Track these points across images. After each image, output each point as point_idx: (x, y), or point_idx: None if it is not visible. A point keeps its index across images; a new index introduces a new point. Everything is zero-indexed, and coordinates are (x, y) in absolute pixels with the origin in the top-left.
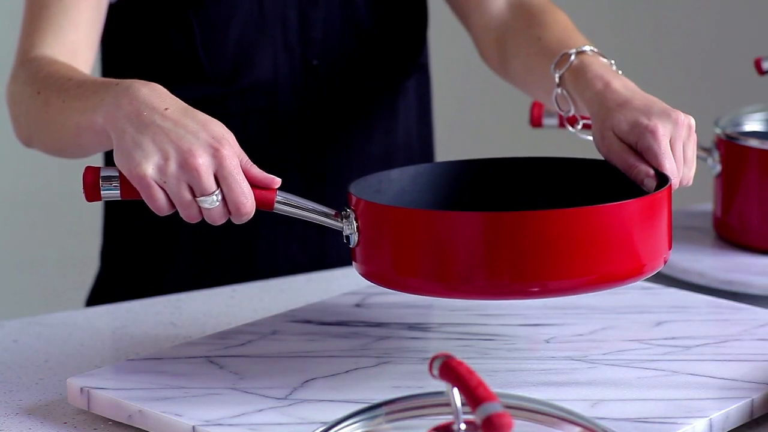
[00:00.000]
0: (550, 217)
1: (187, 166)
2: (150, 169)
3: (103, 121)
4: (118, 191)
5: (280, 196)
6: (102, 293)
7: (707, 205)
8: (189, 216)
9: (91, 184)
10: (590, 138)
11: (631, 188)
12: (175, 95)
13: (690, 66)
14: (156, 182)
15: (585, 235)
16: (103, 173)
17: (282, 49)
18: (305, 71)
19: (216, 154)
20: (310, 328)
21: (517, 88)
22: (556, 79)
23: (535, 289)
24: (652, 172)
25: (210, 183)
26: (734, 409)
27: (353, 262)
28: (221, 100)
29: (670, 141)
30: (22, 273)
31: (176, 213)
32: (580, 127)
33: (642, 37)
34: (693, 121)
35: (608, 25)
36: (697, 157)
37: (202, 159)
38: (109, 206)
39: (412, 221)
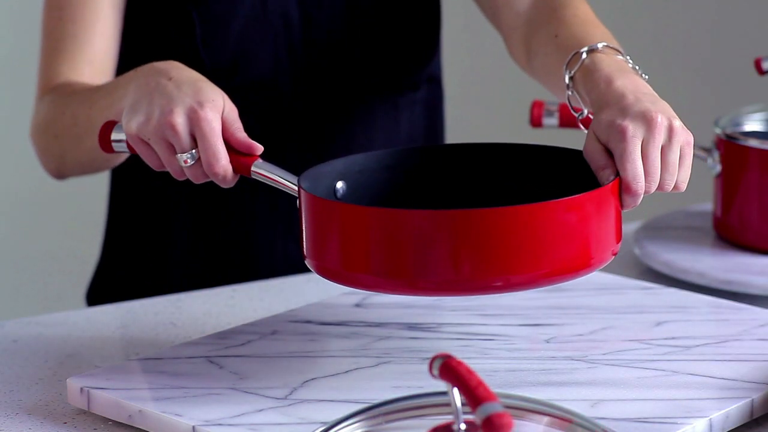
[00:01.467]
0: (485, 215)
1: (165, 124)
2: (134, 126)
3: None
4: (125, 145)
5: (258, 163)
6: (102, 288)
7: (707, 205)
8: (174, 172)
9: (104, 135)
10: None
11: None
12: None
13: (690, 66)
14: (141, 138)
15: (524, 232)
16: (116, 127)
17: (283, 48)
18: (307, 71)
19: (194, 115)
20: (310, 328)
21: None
22: (567, 80)
23: (498, 283)
24: (612, 177)
25: (186, 141)
26: (734, 409)
27: (305, 259)
28: None
29: (643, 143)
30: (22, 273)
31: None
32: None
33: (642, 37)
34: (677, 123)
35: (608, 26)
36: (697, 157)
37: (180, 118)
38: (113, 202)
39: (343, 216)
